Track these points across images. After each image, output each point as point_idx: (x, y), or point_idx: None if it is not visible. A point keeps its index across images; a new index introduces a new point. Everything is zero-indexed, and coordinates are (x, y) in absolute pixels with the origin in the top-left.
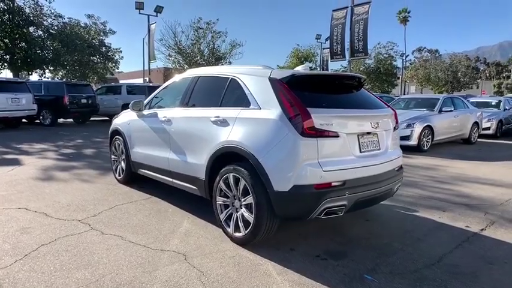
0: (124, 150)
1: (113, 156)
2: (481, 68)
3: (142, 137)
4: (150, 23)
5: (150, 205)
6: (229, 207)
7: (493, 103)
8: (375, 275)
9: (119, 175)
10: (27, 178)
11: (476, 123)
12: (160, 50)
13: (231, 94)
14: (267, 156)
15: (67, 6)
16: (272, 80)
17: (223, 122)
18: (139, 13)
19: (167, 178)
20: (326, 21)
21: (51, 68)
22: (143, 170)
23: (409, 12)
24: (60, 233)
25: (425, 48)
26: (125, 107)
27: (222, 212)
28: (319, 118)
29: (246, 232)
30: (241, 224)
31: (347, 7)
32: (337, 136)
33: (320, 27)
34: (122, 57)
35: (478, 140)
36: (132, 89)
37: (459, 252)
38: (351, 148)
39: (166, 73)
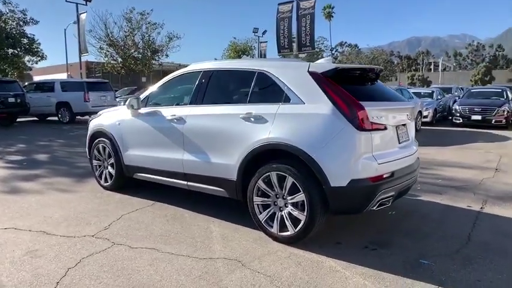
0: (113, 153)
1: (95, 162)
2: (395, 62)
3: (141, 138)
4: (80, 12)
5: (160, 211)
6: (271, 207)
7: (426, 93)
8: (428, 259)
9: (106, 181)
10: None
11: (420, 112)
12: (90, 42)
13: (261, 89)
14: (322, 153)
15: None
16: (313, 74)
17: (258, 119)
18: (66, 1)
19: (180, 181)
20: (263, 15)
21: None
22: (142, 174)
23: (332, 8)
24: (80, 252)
25: (346, 42)
26: (60, 105)
27: (261, 213)
28: (371, 111)
29: (296, 230)
30: (288, 223)
31: (293, 1)
32: (386, 128)
33: (257, 21)
34: (41, 49)
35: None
36: (68, 86)
37: (479, 230)
38: (394, 140)
39: (97, 67)
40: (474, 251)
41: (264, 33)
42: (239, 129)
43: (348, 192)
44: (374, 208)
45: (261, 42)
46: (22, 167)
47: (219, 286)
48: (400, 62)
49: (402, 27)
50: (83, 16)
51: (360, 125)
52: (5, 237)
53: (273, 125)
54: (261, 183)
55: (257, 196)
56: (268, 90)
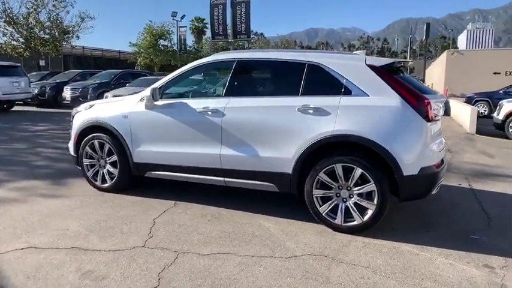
0: (116, 150)
1: (86, 161)
2: None
3: (161, 133)
4: None
5: (193, 212)
6: (333, 199)
7: None
8: (474, 234)
9: (103, 182)
10: None
11: None
12: None
13: (315, 81)
14: (395, 143)
15: None
16: (373, 67)
17: (318, 111)
18: None
19: (214, 178)
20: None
21: None
22: (158, 172)
23: None
24: (149, 267)
25: (252, 31)
26: None
27: (321, 205)
28: (432, 103)
29: (364, 220)
30: (355, 213)
31: None
32: (439, 119)
33: (176, 5)
34: None
35: None
36: None
37: (486, 205)
38: (440, 130)
39: None
40: (499, 223)
41: (182, 17)
42: (296, 121)
43: (418, 179)
44: (433, 192)
45: (180, 27)
46: None
47: (331, 283)
48: None
49: (301, 18)
50: None
51: (428, 115)
52: (33, 259)
53: (337, 117)
54: (322, 176)
55: (317, 189)
56: (324, 83)
